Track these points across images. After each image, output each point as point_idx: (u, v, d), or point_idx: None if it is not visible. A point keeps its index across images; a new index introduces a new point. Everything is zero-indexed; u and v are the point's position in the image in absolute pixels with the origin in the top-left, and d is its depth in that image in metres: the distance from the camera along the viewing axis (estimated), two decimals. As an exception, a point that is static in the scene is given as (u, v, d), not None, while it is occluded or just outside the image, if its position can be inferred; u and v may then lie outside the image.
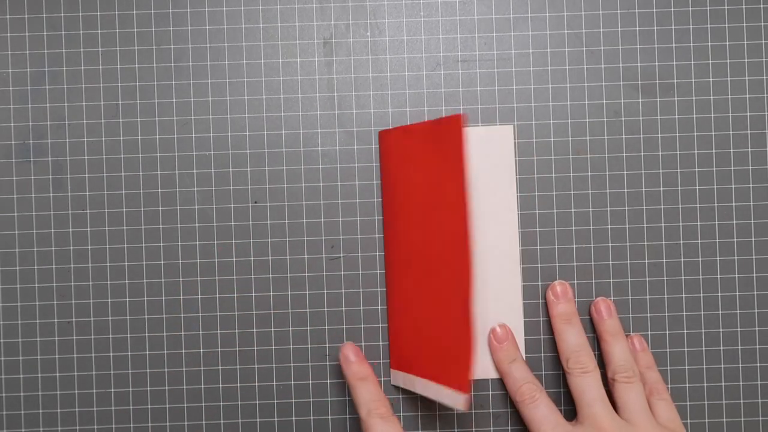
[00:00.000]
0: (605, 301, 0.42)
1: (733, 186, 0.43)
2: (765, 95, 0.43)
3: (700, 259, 0.43)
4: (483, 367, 0.42)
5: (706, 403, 0.43)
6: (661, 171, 0.43)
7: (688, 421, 0.43)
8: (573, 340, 0.40)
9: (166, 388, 0.43)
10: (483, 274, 0.43)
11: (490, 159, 0.43)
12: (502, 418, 0.43)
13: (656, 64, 0.43)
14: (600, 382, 0.39)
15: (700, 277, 0.43)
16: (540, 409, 0.38)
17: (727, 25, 0.43)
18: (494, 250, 0.43)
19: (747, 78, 0.43)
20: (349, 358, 0.40)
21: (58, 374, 0.43)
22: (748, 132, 0.43)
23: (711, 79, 0.43)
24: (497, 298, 0.42)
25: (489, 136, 0.43)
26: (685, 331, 0.43)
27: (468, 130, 0.43)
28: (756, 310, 0.43)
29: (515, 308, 0.42)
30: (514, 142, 0.43)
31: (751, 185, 0.43)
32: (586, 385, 0.39)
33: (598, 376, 0.39)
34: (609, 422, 0.37)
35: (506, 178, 0.43)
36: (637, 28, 0.43)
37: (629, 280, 0.43)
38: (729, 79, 0.43)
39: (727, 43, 0.43)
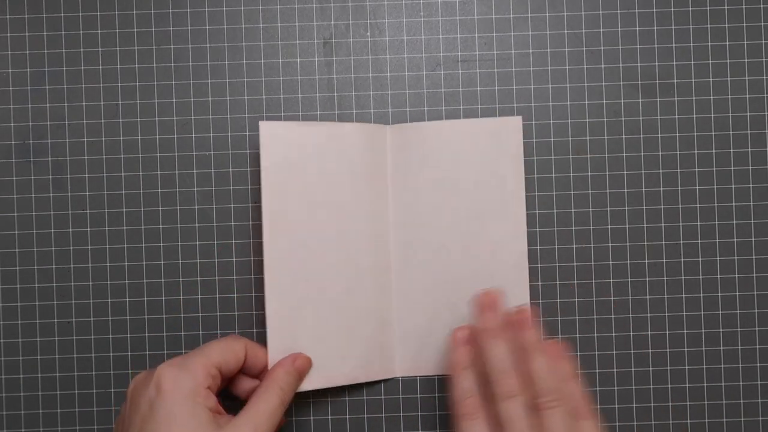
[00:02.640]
0: (523, 311, 0.38)
1: (733, 186, 0.43)
2: (765, 95, 0.43)
3: (700, 259, 0.43)
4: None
5: (706, 403, 0.43)
6: (661, 171, 0.43)
7: (688, 421, 0.43)
8: (498, 358, 0.37)
9: (166, 388, 0.43)
10: (489, 267, 0.42)
11: (498, 151, 0.42)
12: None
13: (656, 64, 0.43)
14: (522, 411, 0.35)
15: (700, 277, 0.43)
16: (475, 428, 0.36)
17: (727, 25, 0.43)
18: (500, 245, 0.42)
19: (747, 78, 0.43)
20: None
21: (58, 374, 0.43)
22: (748, 132, 0.43)
23: (711, 79, 0.43)
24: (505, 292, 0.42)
25: (497, 128, 0.42)
26: (685, 331, 0.43)
27: (476, 120, 0.43)
28: (756, 310, 0.43)
29: (522, 302, 0.42)
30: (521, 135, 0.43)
31: (751, 185, 0.43)
32: (511, 410, 0.35)
33: (521, 402, 0.35)
34: None
35: (514, 171, 0.42)
36: (637, 28, 0.43)
37: (629, 280, 0.43)
38: (729, 79, 0.43)
39: (727, 43, 0.43)
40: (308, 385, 0.40)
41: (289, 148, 0.40)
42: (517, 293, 0.42)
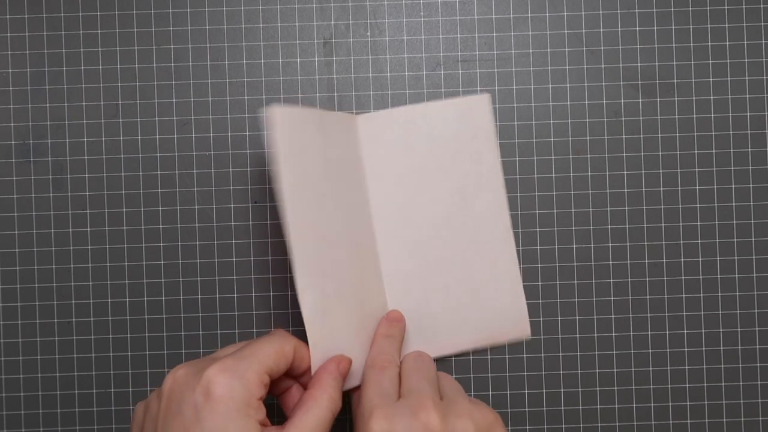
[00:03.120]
0: (409, 356, 0.40)
1: (733, 186, 0.43)
2: (765, 95, 0.43)
3: (700, 259, 0.43)
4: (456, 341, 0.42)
5: (706, 403, 0.43)
6: (661, 171, 0.43)
7: (689, 421, 0.43)
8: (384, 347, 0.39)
9: (166, 388, 0.43)
10: (475, 243, 0.42)
11: (470, 129, 0.43)
12: (502, 418, 0.43)
13: (656, 64, 0.43)
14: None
15: (700, 277, 0.43)
16: (384, 375, 0.36)
17: (727, 25, 0.43)
18: (484, 221, 0.42)
19: (747, 78, 0.43)
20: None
21: (58, 374, 0.43)
22: (748, 132, 0.43)
23: (711, 79, 0.43)
24: (493, 278, 0.42)
25: (463, 108, 0.43)
26: (685, 331, 0.43)
27: (441, 102, 0.43)
28: (756, 310, 0.43)
29: (515, 287, 0.43)
30: (495, 112, 0.43)
31: (751, 185, 0.43)
32: (406, 367, 0.38)
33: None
34: (430, 395, 0.34)
35: (488, 147, 0.42)
36: (637, 28, 0.43)
37: (629, 280, 0.43)
38: (729, 79, 0.43)
39: (727, 43, 0.43)
40: (347, 385, 0.38)
41: (295, 135, 0.38)
42: (505, 266, 0.42)
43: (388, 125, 0.43)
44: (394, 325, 0.41)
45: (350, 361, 0.37)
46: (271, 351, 0.33)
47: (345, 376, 0.36)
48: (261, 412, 0.32)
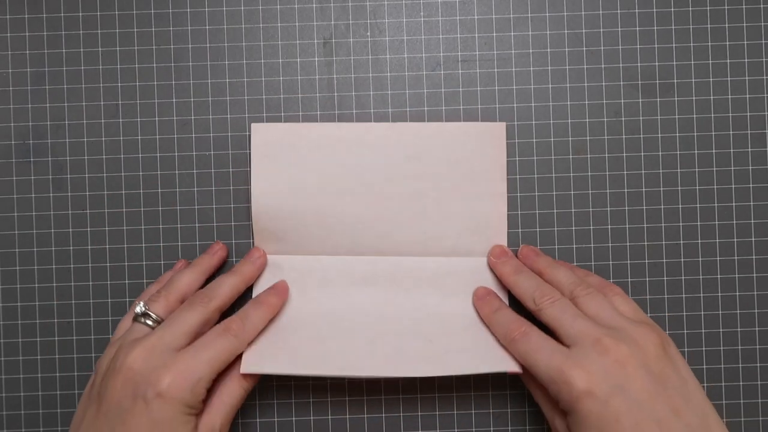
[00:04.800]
0: (527, 247, 0.42)
1: (733, 186, 0.43)
2: (765, 95, 0.43)
3: (700, 259, 0.43)
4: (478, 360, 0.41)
5: (706, 403, 0.43)
6: (661, 171, 0.43)
7: (688, 421, 0.43)
8: (528, 282, 0.40)
9: (166, 388, 0.43)
10: (472, 276, 0.43)
11: (480, 156, 0.42)
12: (502, 418, 0.43)
13: (656, 64, 0.43)
14: (572, 304, 0.38)
15: (700, 277, 0.43)
16: (532, 339, 0.37)
17: (727, 25, 0.43)
18: (482, 254, 0.43)
19: (747, 78, 0.43)
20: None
21: (58, 374, 0.43)
22: (748, 132, 0.43)
23: (711, 79, 0.43)
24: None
25: (478, 132, 0.42)
26: (685, 331, 0.43)
27: (459, 125, 0.43)
28: (756, 310, 0.43)
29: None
30: (506, 140, 0.43)
31: (751, 185, 0.43)
32: (559, 310, 0.37)
33: (567, 300, 0.38)
34: (600, 331, 0.35)
35: (497, 176, 0.42)
36: (637, 28, 0.43)
37: (629, 280, 0.43)
38: (729, 79, 0.43)
39: (727, 43, 0.43)
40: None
41: (279, 149, 0.42)
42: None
43: (398, 138, 0.42)
44: (491, 299, 0.41)
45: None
46: (222, 352, 0.37)
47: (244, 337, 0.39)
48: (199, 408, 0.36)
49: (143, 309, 0.38)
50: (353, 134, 0.42)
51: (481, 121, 0.43)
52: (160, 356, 0.35)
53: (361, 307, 0.42)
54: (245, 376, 0.38)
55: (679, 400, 0.34)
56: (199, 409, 0.36)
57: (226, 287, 0.40)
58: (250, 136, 0.43)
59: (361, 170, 0.42)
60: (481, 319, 0.41)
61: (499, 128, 0.42)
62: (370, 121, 0.43)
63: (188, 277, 0.40)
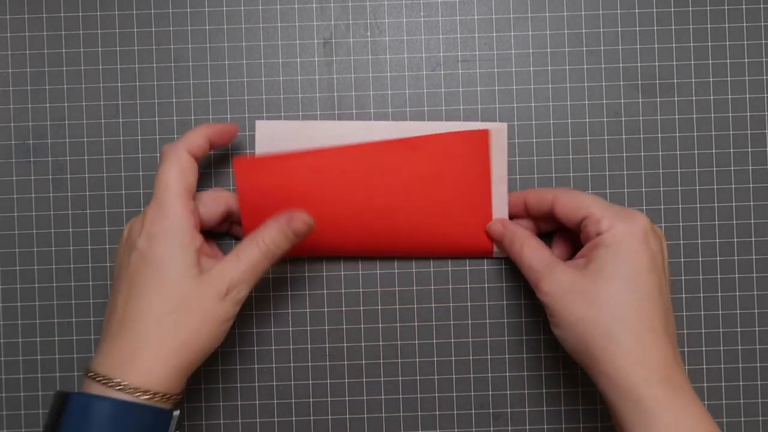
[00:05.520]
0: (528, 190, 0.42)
1: (733, 186, 0.43)
2: (765, 95, 0.43)
3: (700, 259, 0.43)
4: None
5: (706, 403, 0.43)
6: (661, 171, 0.43)
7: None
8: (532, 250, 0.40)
9: (166, 388, 0.43)
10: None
11: (468, 160, 0.42)
12: (502, 418, 0.43)
13: (656, 64, 0.43)
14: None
15: (700, 277, 0.43)
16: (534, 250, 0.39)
17: (727, 25, 0.43)
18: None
19: (747, 78, 0.43)
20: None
21: (58, 374, 0.43)
22: (748, 132, 0.43)
23: (711, 79, 0.43)
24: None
25: (468, 137, 0.42)
26: (685, 331, 0.43)
27: (460, 124, 0.42)
28: (756, 310, 0.43)
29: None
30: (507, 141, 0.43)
31: (751, 185, 0.43)
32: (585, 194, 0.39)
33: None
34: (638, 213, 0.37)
35: (497, 178, 0.42)
36: (637, 28, 0.43)
37: (629, 280, 0.43)
38: (729, 79, 0.43)
39: (727, 43, 0.43)
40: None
41: (282, 146, 0.41)
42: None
43: (399, 135, 0.42)
44: (510, 240, 0.41)
45: (305, 222, 0.38)
46: (175, 174, 0.37)
47: (297, 234, 0.38)
48: (197, 240, 0.36)
49: None
50: (357, 132, 0.42)
51: (481, 120, 0.43)
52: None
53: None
54: (257, 236, 0.37)
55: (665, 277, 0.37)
56: (195, 242, 0.36)
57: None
58: (254, 135, 0.43)
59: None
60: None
61: (499, 128, 0.42)
62: (371, 117, 0.43)
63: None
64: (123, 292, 0.36)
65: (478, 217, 0.42)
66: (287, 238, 0.38)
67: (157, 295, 0.35)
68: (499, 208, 0.42)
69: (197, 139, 0.38)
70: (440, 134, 0.41)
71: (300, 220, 0.38)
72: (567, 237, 0.42)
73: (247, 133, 0.43)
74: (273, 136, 0.42)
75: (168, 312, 0.35)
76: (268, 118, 0.43)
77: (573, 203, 0.38)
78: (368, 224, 0.41)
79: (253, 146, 0.43)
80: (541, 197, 0.40)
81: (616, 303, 0.35)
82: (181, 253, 0.35)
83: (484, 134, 0.42)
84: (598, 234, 0.36)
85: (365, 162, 0.41)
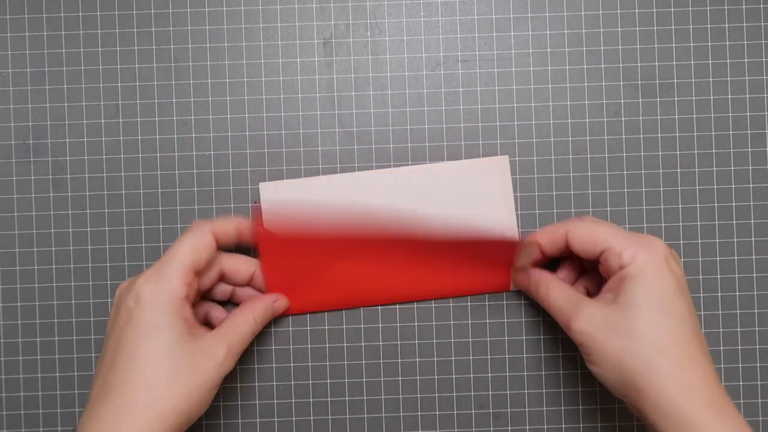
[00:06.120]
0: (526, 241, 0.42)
1: (733, 186, 0.43)
2: (765, 95, 0.43)
3: (700, 259, 0.43)
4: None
5: (706, 403, 0.43)
6: (661, 171, 0.43)
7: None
8: (558, 287, 0.40)
9: (166, 388, 0.43)
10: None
11: (486, 193, 0.42)
12: (502, 418, 0.43)
13: (656, 64, 0.43)
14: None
15: (700, 277, 0.43)
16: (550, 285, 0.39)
17: (727, 25, 0.43)
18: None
19: (747, 78, 0.43)
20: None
21: (58, 374, 0.43)
22: (748, 132, 0.43)
23: (711, 79, 0.43)
24: None
25: (483, 168, 0.42)
26: (685, 331, 0.43)
27: (461, 163, 0.43)
28: (756, 310, 0.43)
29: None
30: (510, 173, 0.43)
31: (751, 185, 0.43)
32: (601, 223, 0.39)
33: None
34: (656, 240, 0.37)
35: (505, 211, 0.42)
36: (637, 28, 0.43)
37: (629, 280, 0.43)
38: (729, 79, 0.43)
39: (727, 43, 0.43)
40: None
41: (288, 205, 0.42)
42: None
43: (403, 182, 0.42)
44: (536, 284, 0.41)
45: (288, 304, 0.42)
46: (189, 247, 0.37)
47: (276, 314, 0.41)
48: (186, 311, 0.36)
49: None
50: (359, 184, 0.42)
51: (481, 122, 0.43)
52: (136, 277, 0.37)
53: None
54: (252, 303, 0.40)
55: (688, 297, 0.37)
56: (185, 312, 0.36)
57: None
58: (252, 136, 0.43)
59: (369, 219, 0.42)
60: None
61: (502, 162, 0.43)
62: (370, 124, 0.43)
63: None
64: (110, 352, 0.36)
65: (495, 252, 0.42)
66: (269, 317, 0.41)
67: (147, 361, 0.34)
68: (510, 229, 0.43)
69: (227, 225, 0.39)
70: (469, 240, 0.42)
71: (282, 304, 0.41)
72: (574, 261, 0.42)
73: (247, 134, 0.43)
74: (277, 195, 0.42)
75: (160, 379, 0.34)
76: (268, 119, 0.43)
77: (589, 237, 0.38)
78: (388, 273, 0.42)
79: (252, 146, 0.43)
80: (553, 236, 0.39)
81: (653, 333, 0.34)
82: (174, 320, 0.35)
83: (503, 161, 0.42)
84: (621, 267, 0.36)
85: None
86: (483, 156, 0.43)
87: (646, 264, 0.36)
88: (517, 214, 0.43)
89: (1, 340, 0.43)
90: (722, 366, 0.43)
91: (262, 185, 0.42)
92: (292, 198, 0.42)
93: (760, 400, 0.43)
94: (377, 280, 0.42)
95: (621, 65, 0.43)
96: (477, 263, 0.42)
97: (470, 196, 0.42)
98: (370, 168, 0.43)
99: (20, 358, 0.43)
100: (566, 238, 0.38)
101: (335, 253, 0.41)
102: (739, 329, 0.43)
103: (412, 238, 0.42)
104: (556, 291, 0.39)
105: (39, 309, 0.43)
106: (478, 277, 0.42)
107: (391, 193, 0.42)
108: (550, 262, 0.42)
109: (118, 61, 0.43)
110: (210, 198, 0.43)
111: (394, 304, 0.43)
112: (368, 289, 0.42)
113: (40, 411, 0.43)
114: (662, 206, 0.43)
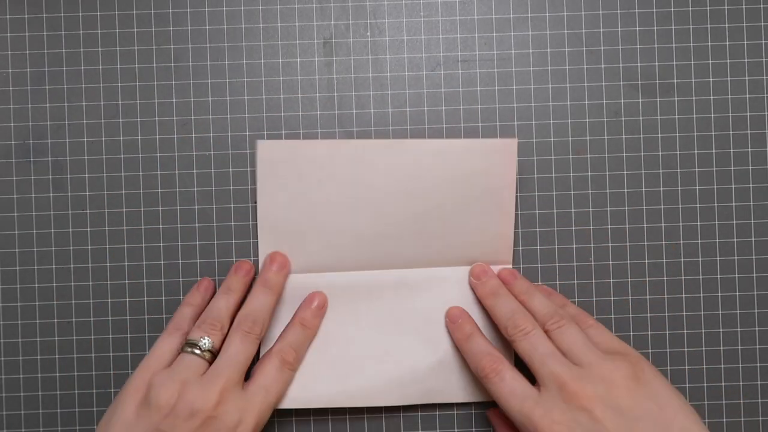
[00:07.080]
0: (506, 270, 0.42)
1: (733, 186, 0.43)
2: (765, 95, 0.43)
3: (700, 259, 0.43)
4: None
5: (706, 403, 0.43)
6: (661, 171, 0.43)
7: (688, 421, 0.43)
8: (505, 308, 0.40)
9: (166, 388, 0.43)
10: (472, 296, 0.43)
11: (488, 174, 0.42)
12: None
13: (656, 64, 0.43)
14: (545, 338, 0.38)
15: (700, 277, 0.43)
16: (505, 381, 0.37)
17: (727, 25, 0.43)
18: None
19: (747, 78, 0.43)
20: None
21: (58, 374, 0.43)
22: (748, 132, 0.43)
23: (711, 79, 0.43)
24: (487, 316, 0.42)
25: (488, 149, 0.42)
26: (685, 331, 0.43)
27: (469, 141, 0.42)
28: (756, 310, 0.43)
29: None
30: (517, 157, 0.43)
31: (751, 185, 0.43)
32: (530, 345, 0.37)
33: (541, 333, 0.38)
34: (568, 375, 0.36)
35: (506, 195, 0.42)
36: (637, 28, 0.43)
37: (629, 280, 0.43)
38: (729, 79, 0.43)
39: (727, 43, 0.43)
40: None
41: (284, 166, 0.42)
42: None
43: (405, 155, 0.42)
44: (463, 323, 0.41)
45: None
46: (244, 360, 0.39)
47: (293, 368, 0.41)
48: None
49: (206, 345, 0.39)
50: (357, 151, 0.42)
51: (482, 122, 0.43)
52: (235, 401, 0.37)
53: (366, 327, 0.42)
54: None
55: (656, 430, 0.34)
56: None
57: (266, 309, 0.40)
58: (255, 153, 0.43)
59: (365, 187, 0.42)
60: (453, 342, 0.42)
61: (510, 144, 0.42)
62: (370, 123, 0.43)
63: (227, 303, 0.40)
64: None
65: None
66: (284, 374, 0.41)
67: None
68: (506, 229, 0.42)
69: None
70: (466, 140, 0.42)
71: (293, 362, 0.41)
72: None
73: (247, 134, 0.43)
74: (274, 157, 0.42)
75: None
76: (267, 119, 0.43)
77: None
78: (389, 234, 0.42)
79: (252, 146, 0.43)
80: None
81: None
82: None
83: (512, 144, 0.42)
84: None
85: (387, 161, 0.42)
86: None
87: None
88: (517, 214, 0.43)
89: (1, 340, 0.43)
90: (722, 366, 0.43)
91: (259, 142, 0.42)
92: (287, 160, 0.42)
93: (760, 400, 0.43)
94: (372, 242, 0.42)
95: (621, 65, 0.43)
96: (472, 233, 0.42)
97: (470, 176, 0.41)
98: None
99: (20, 358, 0.43)
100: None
101: (330, 214, 0.42)
102: (739, 329, 0.43)
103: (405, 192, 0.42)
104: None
105: (39, 309, 0.43)
106: (476, 248, 0.42)
107: (390, 164, 0.42)
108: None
109: (118, 61, 0.43)
110: (210, 198, 0.43)
111: (398, 411, 0.43)
112: (363, 252, 0.42)
113: (40, 411, 0.43)
114: (662, 206, 0.43)
